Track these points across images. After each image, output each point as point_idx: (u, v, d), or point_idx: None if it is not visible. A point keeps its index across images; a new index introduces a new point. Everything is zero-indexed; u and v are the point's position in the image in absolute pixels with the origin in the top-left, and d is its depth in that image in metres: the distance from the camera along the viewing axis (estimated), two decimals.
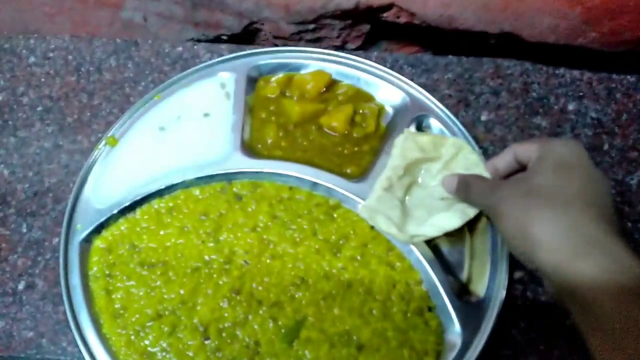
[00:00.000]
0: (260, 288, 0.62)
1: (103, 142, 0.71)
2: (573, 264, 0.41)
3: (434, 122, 0.71)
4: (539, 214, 0.44)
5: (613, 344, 0.39)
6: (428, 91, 0.73)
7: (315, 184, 0.67)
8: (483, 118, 0.74)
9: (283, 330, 0.60)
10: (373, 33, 0.84)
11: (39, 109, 0.78)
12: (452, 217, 0.58)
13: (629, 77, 0.76)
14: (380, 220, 0.58)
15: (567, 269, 0.41)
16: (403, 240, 0.58)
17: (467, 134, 0.69)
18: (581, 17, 0.69)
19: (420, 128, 0.72)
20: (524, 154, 0.52)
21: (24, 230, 0.69)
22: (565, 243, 0.42)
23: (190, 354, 0.59)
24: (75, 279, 0.63)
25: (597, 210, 0.44)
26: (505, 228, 0.47)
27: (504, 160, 0.55)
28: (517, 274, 0.64)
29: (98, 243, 0.66)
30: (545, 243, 0.43)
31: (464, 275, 0.64)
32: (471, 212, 0.58)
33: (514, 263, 0.63)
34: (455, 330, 0.58)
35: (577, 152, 0.48)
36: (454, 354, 0.57)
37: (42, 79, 0.81)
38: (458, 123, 0.70)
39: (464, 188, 0.56)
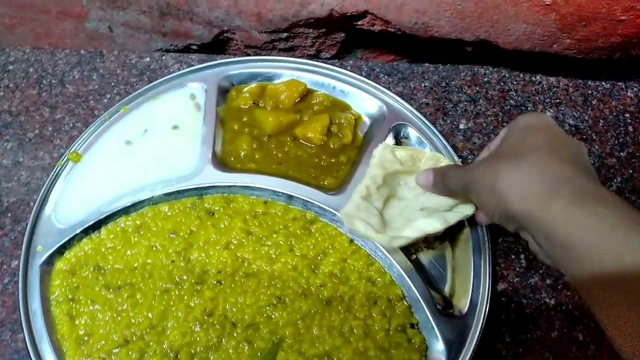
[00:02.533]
0: (234, 309, 0.58)
1: (65, 158, 0.67)
2: (544, 205, 0.39)
3: (412, 132, 0.69)
4: (503, 168, 0.42)
5: (600, 281, 0.36)
6: (405, 100, 0.71)
7: (291, 197, 0.64)
8: (461, 126, 0.72)
9: (259, 354, 0.56)
10: (348, 42, 0.82)
11: None
12: (433, 222, 0.55)
13: (603, 83, 0.75)
14: (359, 224, 0.55)
15: (539, 213, 0.39)
16: (383, 242, 0.55)
17: (445, 143, 0.67)
18: (556, 24, 0.67)
19: (398, 137, 0.69)
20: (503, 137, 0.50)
21: None
22: (532, 187, 0.40)
23: None
24: (36, 304, 0.58)
25: (564, 155, 0.42)
26: (480, 197, 0.45)
27: (496, 144, 0.53)
28: (501, 286, 0.61)
29: (60, 265, 0.61)
30: (513, 193, 0.41)
31: (446, 289, 0.61)
32: (452, 218, 0.55)
33: (497, 275, 0.61)
34: (439, 347, 0.55)
35: (544, 118, 0.47)
36: None
37: (1, 93, 0.76)
38: (436, 132, 0.68)
39: (440, 179, 0.53)
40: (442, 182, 0.52)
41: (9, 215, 0.67)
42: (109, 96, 0.75)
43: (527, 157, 0.42)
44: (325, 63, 0.73)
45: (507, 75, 0.75)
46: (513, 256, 0.63)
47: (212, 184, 0.64)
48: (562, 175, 0.39)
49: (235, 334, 0.57)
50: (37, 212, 0.63)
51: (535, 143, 0.43)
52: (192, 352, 0.56)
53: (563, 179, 0.39)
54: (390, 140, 0.68)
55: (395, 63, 0.77)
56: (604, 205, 0.36)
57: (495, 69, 0.76)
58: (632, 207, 0.37)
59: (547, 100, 0.73)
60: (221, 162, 0.67)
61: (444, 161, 0.60)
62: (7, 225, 0.66)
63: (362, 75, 0.72)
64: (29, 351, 0.56)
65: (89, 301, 0.59)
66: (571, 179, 0.39)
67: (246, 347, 0.56)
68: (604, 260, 0.35)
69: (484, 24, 0.70)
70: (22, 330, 0.57)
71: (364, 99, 0.72)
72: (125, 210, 0.64)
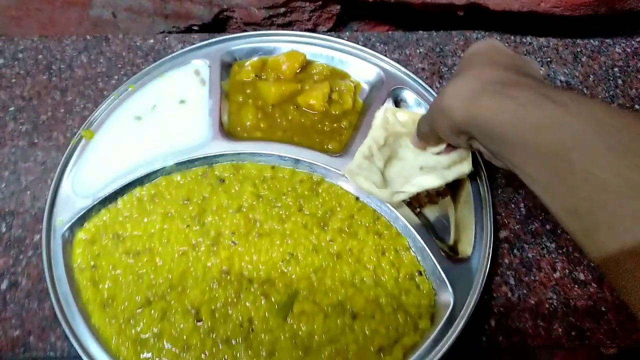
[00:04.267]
0: (249, 267, 0.60)
1: (79, 136, 0.69)
2: (476, 104, 0.40)
3: (409, 95, 0.71)
4: (446, 86, 0.44)
5: (528, 157, 0.37)
6: (402, 65, 0.72)
7: (297, 161, 0.66)
8: None
9: (276, 306, 0.58)
10: (344, 14, 0.83)
11: (12, 109, 0.75)
12: (432, 179, 0.57)
13: (592, 40, 0.77)
14: (361, 180, 0.57)
15: (473, 112, 0.40)
16: (384, 197, 0.57)
17: None
18: None
19: (396, 101, 0.71)
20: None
21: (4, 229, 0.66)
22: (466, 92, 0.41)
23: (184, 337, 0.57)
24: (60, 271, 0.60)
25: (501, 62, 0.43)
26: (436, 123, 0.47)
27: None
28: (503, 233, 0.63)
29: (81, 235, 0.63)
30: (454, 104, 0.42)
31: (450, 239, 0.63)
32: (449, 175, 0.57)
33: (498, 224, 0.63)
34: (447, 291, 0.57)
35: (491, 42, 0.48)
36: (447, 314, 0.56)
37: (13, 80, 0.78)
38: (434, 94, 0.70)
39: (417, 129, 0.55)
40: (419, 130, 0.54)
41: (28, 193, 0.69)
42: (116, 77, 0.77)
43: (466, 71, 0.43)
44: (323, 35, 0.75)
45: (498, 38, 0.77)
46: (513, 205, 0.65)
47: (220, 153, 0.66)
48: (494, 76, 0.41)
49: (252, 289, 0.59)
50: (55, 187, 0.65)
51: (476, 61, 0.45)
52: (212, 308, 0.58)
53: (493, 79, 0.41)
54: (390, 104, 0.70)
55: (390, 32, 0.79)
56: (519, 88, 0.38)
57: (487, 33, 0.78)
58: (546, 84, 0.39)
59: (538, 60, 0.75)
60: (228, 132, 0.69)
61: None
62: (27, 202, 0.68)
63: (359, 45, 0.74)
64: (57, 316, 0.58)
65: (110, 267, 0.61)
66: (501, 76, 0.41)
67: (263, 301, 0.58)
68: (525, 137, 0.36)
69: None
70: (48, 298, 0.59)
71: (362, 66, 0.73)
72: (140, 181, 0.65)
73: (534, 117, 0.35)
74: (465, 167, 0.56)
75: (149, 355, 0.56)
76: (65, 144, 0.71)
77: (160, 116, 0.70)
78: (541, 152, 0.35)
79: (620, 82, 0.73)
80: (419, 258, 0.60)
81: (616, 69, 0.75)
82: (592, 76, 0.74)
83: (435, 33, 0.78)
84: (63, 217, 0.64)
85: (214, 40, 0.75)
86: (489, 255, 0.59)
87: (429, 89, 0.70)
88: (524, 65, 0.45)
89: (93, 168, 0.67)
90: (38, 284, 0.63)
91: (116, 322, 0.58)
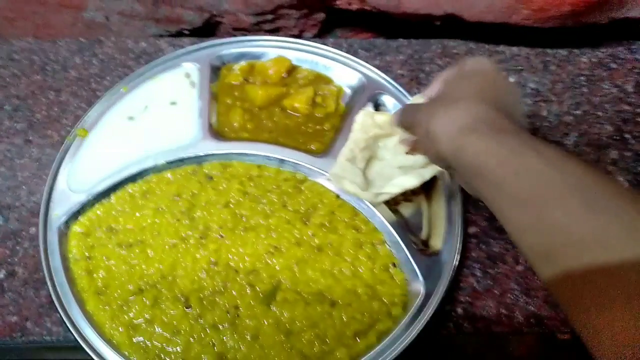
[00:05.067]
0: (236, 258, 0.66)
1: (74, 134, 0.74)
2: (462, 140, 0.43)
3: (389, 100, 0.77)
4: (436, 112, 0.47)
5: (504, 200, 0.40)
6: (382, 72, 0.78)
7: (282, 161, 0.71)
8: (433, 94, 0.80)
9: (261, 295, 0.64)
10: (328, 22, 0.90)
11: (7, 107, 0.80)
12: (411, 179, 0.63)
13: (560, 50, 0.84)
14: (346, 184, 0.63)
15: (458, 145, 0.44)
16: (368, 198, 0.63)
17: None
18: None
19: (376, 105, 0.77)
20: (447, 79, 0.55)
21: (0, 222, 0.71)
22: (455, 127, 0.44)
23: (174, 322, 0.62)
24: (57, 262, 0.65)
25: (490, 98, 0.46)
26: (418, 135, 0.51)
27: (435, 89, 0.56)
28: (472, 229, 0.70)
29: (76, 228, 0.68)
30: (441, 135, 0.46)
31: (423, 234, 0.69)
32: (427, 174, 0.63)
33: (468, 220, 0.70)
34: (418, 281, 0.63)
35: (482, 64, 0.52)
36: (418, 302, 0.62)
37: (8, 79, 0.83)
38: (411, 99, 0.76)
39: (400, 113, 0.58)
40: (400, 116, 0.58)
41: (24, 187, 0.74)
42: (109, 78, 0.82)
43: (457, 103, 0.47)
44: (309, 41, 0.81)
45: (473, 47, 0.84)
46: (482, 204, 0.71)
47: (209, 152, 0.72)
48: (483, 115, 0.44)
49: (238, 279, 0.64)
50: (51, 183, 0.71)
51: (467, 90, 0.48)
52: (201, 296, 0.64)
53: (484, 117, 0.44)
54: (370, 108, 0.76)
55: (372, 39, 0.86)
56: (508, 134, 0.42)
57: (463, 42, 0.84)
58: (530, 135, 0.42)
59: (510, 68, 0.82)
60: (217, 133, 0.74)
61: None
62: (22, 196, 0.73)
63: (342, 51, 0.81)
64: (53, 302, 0.63)
65: (104, 258, 0.66)
66: (491, 117, 0.44)
67: (248, 290, 0.64)
68: (506, 181, 0.40)
69: None
70: (45, 287, 0.64)
71: (345, 72, 0.80)
72: (132, 178, 0.71)
73: (518, 164, 0.40)
74: None
75: (141, 339, 0.62)
76: (59, 141, 0.76)
77: (151, 116, 0.76)
78: (518, 197, 0.39)
79: (585, 90, 0.80)
80: (393, 251, 0.66)
81: (582, 78, 0.81)
82: (560, 84, 0.81)
83: (414, 41, 0.85)
84: (59, 211, 0.69)
85: (204, 44, 0.81)
86: (458, 249, 0.65)
87: (406, 94, 0.76)
88: (512, 105, 0.48)
89: (87, 165, 0.73)
90: (34, 273, 0.68)
91: (110, 308, 0.63)
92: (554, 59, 0.83)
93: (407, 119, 0.56)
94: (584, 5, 0.74)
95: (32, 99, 0.81)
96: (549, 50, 0.84)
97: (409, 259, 0.65)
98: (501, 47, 0.84)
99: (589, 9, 0.76)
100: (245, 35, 0.88)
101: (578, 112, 0.78)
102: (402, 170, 0.65)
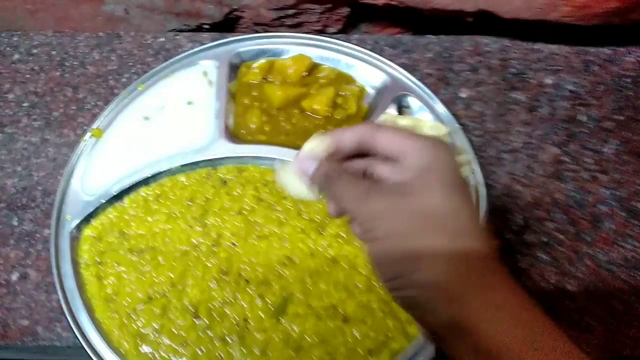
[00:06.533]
0: (247, 268, 0.67)
1: (89, 134, 0.76)
2: (462, 298, 0.37)
3: (414, 101, 0.76)
4: (427, 240, 0.39)
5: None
6: (408, 71, 0.78)
7: None
8: (462, 95, 0.79)
9: (271, 308, 0.64)
10: (353, 16, 0.89)
11: (25, 104, 0.83)
12: None
13: (604, 49, 0.81)
14: None
15: (455, 304, 0.38)
16: None
17: (447, 111, 0.74)
18: None
19: (400, 107, 0.76)
20: (386, 146, 0.43)
21: (15, 223, 0.74)
22: (456, 277, 0.38)
23: (182, 333, 0.64)
24: (67, 267, 0.68)
25: (484, 240, 0.40)
26: (382, 245, 0.41)
27: (351, 140, 0.45)
28: (497, 242, 0.69)
29: (88, 232, 0.71)
30: (431, 275, 0.38)
31: None
32: None
33: (493, 232, 0.69)
34: None
35: (450, 161, 0.42)
36: None
37: (27, 75, 0.86)
38: (438, 101, 0.75)
39: (326, 180, 0.45)
40: (328, 185, 0.45)
41: (39, 188, 0.76)
42: (127, 75, 0.84)
43: (452, 237, 0.39)
44: (331, 37, 0.81)
45: (508, 45, 0.82)
46: (508, 215, 0.70)
47: (225, 156, 0.73)
48: (482, 271, 0.39)
49: (249, 290, 0.65)
50: (64, 184, 0.73)
51: (461, 218, 0.40)
52: (210, 307, 0.65)
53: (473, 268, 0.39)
54: (393, 110, 0.75)
55: (398, 36, 0.85)
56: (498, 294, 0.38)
57: (496, 39, 0.83)
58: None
59: (547, 68, 0.80)
60: (233, 135, 0.75)
61: (445, 130, 0.67)
62: (38, 197, 0.76)
63: (366, 49, 0.80)
64: (62, 309, 0.65)
65: (115, 264, 0.68)
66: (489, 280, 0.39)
67: (259, 302, 0.65)
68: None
69: None
70: (56, 290, 0.67)
71: (368, 71, 0.79)
72: (146, 181, 0.73)
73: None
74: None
75: (149, 349, 0.63)
76: (75, 141, 0.78)
77: (167, 117, 0.77)
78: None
79: (630, 92, 0.77)
80: None
81: (627, 79, 0.79)
82: (601, 86, 0.78)
83: (444, 38, 0.83)
84: (71, 213, 0.71)
85: (223, 41, 0.82)
86: None
87: (433, 96, 0.75)
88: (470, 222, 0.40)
89: (101, 166, 0.74)
90: (46, 276, 0.70)
91: (118, 316, 0.65)
92: (596, 59, 0.80)
93: (352, 203, 0.43)
94: (633, 2, 0.71)
95: (50, 96, 0.84)
96: (590, 49, 0.81)
97: None
98: (538, 45, 0.82)
99: (638, 5, 0.73)
100: (266, 30, 0.89)
101: (621, 117, 0.76)
102: None
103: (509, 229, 0.69)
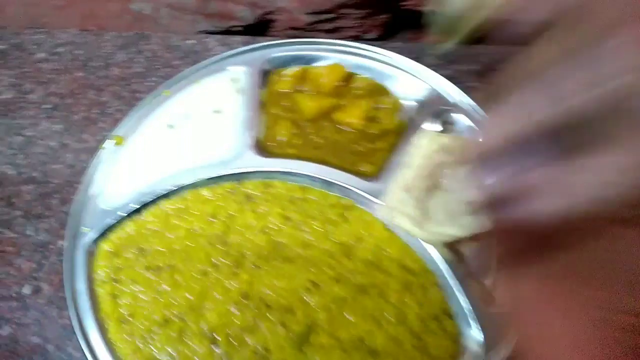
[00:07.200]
0: (270, 292, 0.64)
1: (109, 141, 0.74)
2: None
3: (460, 118, 0.72)
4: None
5: None
6: (454, 83, 0.73)
7: (329, 183, 0.68)
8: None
9: (293, 336, 0.61)
10: (394, 22, 0.85)
11: (45, 106, 0.82)
12: (482, 219, 0.58)
13: None
14: (400, 217, 0.59)
15: None
16: (424, 238, 0.59)
17: None
18: None
19: (444, 124, 0.72)
20: None
21: (30, 232, 0.73)
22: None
23: None
24: (81, 284, 0.66)
25: None
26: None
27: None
28: None
29: (104, 246, 0.68)
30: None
31: (488, 280, 0.64)
32: None
33: None
34: (473, 336, 0.59)
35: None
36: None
37: (49, 75, 0.84)
38: (486, 117, 0.71)
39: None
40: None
41: (56, 196, 0.75)
42: (152, 79, 0.82)
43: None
44: (369, 45, 0.77)
45: None
46: None
47: (251, 169, 0.70)
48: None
49: (270, 316, 0.62)
50: (81, 194, 0.71)
51: None
52: (229, 332, 0.62)
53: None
54: (435, 127, 0.71)
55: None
56: None
57: None
58: None
59: None
60: (261, 147, 0.72)
61: None
62: (54, 206, 0.74)
63: (406, 57, 0.76)
64: (74, 328, 0.63)
65: (131, 281, 0.66)
66: None
67: (280, 330, 0.62)
68: None
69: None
70: (68, 308, 0.65)
71: (408, 82, 0.75)
72: (167, 195, 0.70)
73: None
74: None
75: None
76: (95, 147, 0.76)
77: (193, 126, 0.75)
78: None
79: None
80: (447, 297, 0.62)
81: None
82: None
83: (495, 48, 0.79)
84: (88, 225, 0.69)
85: (254, 46, 0.79)
86: None
87: (481, 111, 0.71)
88: None
89: (121, 176, 0.72)
90: (59, 291, 0.68)
91: (132, 339, 0.63)
92: None
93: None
94: None
95: (72, 98, 0.82)
96: None
97: (463, 309, 0.60)
98: None
99: None
100: (301, 34, 0.86)
101: None
102: (470, 208, 0.60)
103: None
